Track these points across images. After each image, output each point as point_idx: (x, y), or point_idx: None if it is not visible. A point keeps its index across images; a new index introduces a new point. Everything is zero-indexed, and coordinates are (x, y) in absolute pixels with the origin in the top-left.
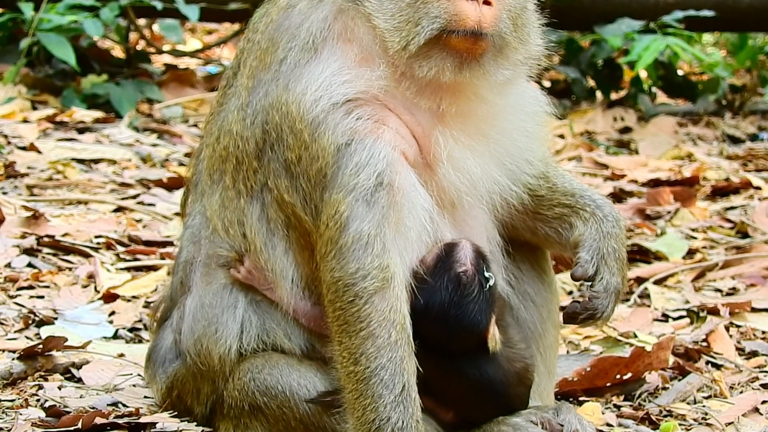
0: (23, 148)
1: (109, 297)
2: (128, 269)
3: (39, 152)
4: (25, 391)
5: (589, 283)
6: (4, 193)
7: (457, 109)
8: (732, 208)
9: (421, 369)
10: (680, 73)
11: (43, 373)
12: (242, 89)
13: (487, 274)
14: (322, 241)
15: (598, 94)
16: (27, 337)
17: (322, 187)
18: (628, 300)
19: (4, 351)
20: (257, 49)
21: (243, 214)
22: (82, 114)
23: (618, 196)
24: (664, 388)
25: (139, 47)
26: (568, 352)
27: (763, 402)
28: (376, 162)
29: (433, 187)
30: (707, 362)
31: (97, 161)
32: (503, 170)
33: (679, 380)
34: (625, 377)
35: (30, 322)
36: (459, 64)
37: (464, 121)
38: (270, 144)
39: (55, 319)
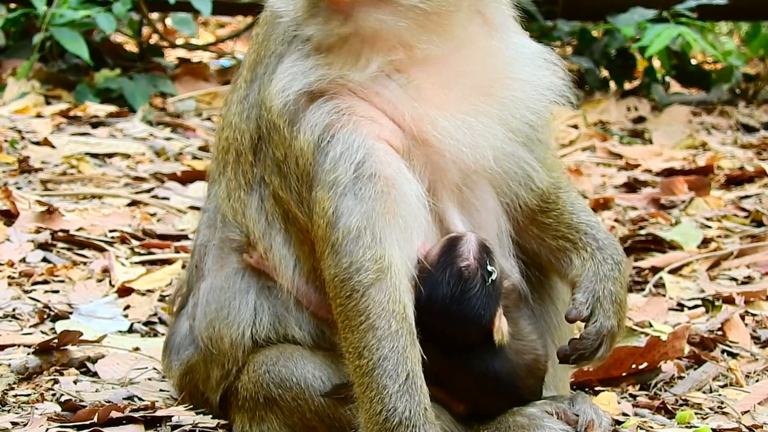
0: (37, 143)
1: (124, 291)
2: (143, 263)
3: (53, 147)
4: (41, 386)
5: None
6: (19, 188)
7: (409, 66)
8: (746, 196)
9: (427, 359)
10: (693, 62)
11: (58, 368)
12: (243, 82)
13: (489, 268)
14: (317, 240)
15: (612, 84)
16: (42, 332)
17: (309, 185)
18: (643, 289)
19: (19, 346)
20: (255, 42)
21: (244, 205)
22: (96, 108)
23: (632, 186)
24: (680, 378)
25: (152, 41)
26: None
27: None
28: (352, 154)
29: (426, 166)
30: (723, 351)
31: (110, 155)
32: (494, 120)
33: (695, 369)
34: (640, 367)
35: (45, 316)
36: (337, 17)
37: (428, 79)
38: (263, 140)
39: (70, 313)
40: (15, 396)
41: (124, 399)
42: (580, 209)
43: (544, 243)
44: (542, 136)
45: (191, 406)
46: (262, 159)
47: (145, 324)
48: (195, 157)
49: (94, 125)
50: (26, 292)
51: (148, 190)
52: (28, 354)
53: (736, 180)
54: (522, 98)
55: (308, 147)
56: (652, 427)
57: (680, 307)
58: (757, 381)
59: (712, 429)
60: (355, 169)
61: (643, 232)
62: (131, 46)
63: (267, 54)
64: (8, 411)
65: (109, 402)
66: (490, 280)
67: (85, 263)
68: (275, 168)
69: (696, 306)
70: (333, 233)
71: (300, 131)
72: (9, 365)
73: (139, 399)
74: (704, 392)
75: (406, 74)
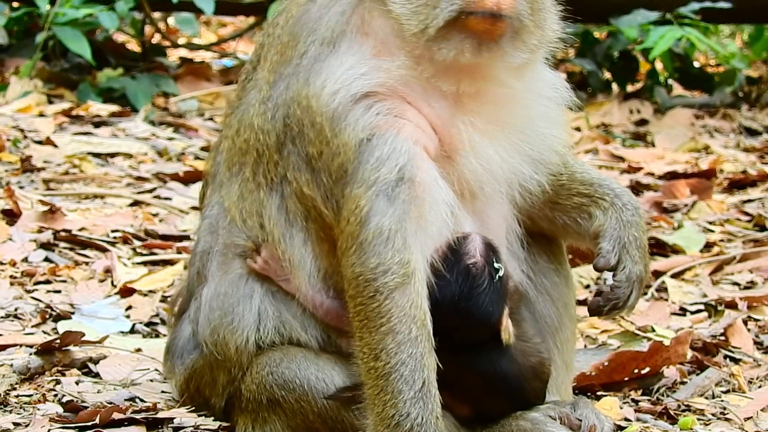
0: (39, 143)
1: (126, 291)
2: (145, 263)
3: (55, 146)
4: (43, 386)
5: (612, 274)
6: (21, 188)
7: (476, 92)
8: (749, 200)
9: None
10: (696, 64)
11: (60, 368)
12: (263, 83)
13: (496, 266)
14: (343, 236)
15: (614, 87)
16: (44, 332)
17: (343, 182)
18: (645, 294)
19: (21, 346)
20: (278, 43)
21: (262, 205)
22: (98, 108)
23: (634, 189)
24: (682, 383)
25: (154, 41)
26: (585, 346)
27: None
28: (397, 156)
29: (453, 179)
30: (725, 356)
31: (113, 155)
32: (524, 157)
33: (698, 374)
34: (643, 372)
35: (47, 316)
36: (478, 45)
37: (482, 107)
38: (291, 138)
39: (72, 313)
40: (17, 396)
41: (125, 400)
42: (588, 167)
43: (557, 206)
44: (558, 157)
45: (193, 408)
46: (286, 156)
47: (147, 325)
48: (197, 158)
49: (97, 125)
50: (28, 291)
51: (151, 190)
52: (30, 354)
53: (738, 184)
54: (549, 137)
55: (353, 144)
56: None
57: (683, 311)
58: (759, 387)
59: None
60: (398, 171)
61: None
62: (134, 46)
63: (296, 54)
64: (10, 411)
65: (110, 403)
66: (497, 277)
67: (87, 263)
68: (304, 165)
69: (699, 311)
70: (363, 231)
71: (345, 129)
72: (11, 365)
73: (141, 400)
74: (707, 398)
75: (466, 98)
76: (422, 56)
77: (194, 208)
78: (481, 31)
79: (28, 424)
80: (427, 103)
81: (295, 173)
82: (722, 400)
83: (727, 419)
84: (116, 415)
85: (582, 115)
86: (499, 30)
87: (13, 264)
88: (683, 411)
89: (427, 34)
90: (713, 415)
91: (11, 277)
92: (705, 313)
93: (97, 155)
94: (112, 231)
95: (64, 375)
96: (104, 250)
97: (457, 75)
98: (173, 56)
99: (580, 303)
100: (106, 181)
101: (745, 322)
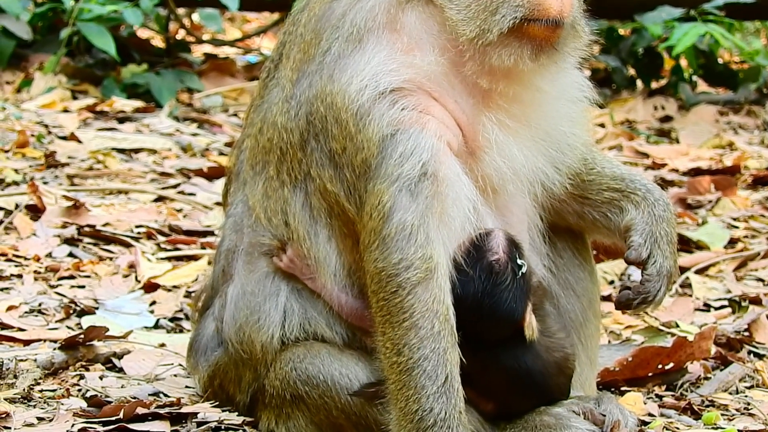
0: (64, 138)
1: (150, 287)
2: (169, 259)
3: (79, 142)
4: (67, 381)
5: (642, 268)
6: (45, 183)
7: (513, 93)
8: None
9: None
10: (721, 61)
11: (84, 363)
12: (286, 81)
13: (519, 262)
14: (366, 231)
15: (639, 83)
16: (68, 327)
17: (366, 177)
18: (669, 289)
19: (45, 341)
20: (300, 41)
21: (286, 203)
22: (123, 103)
23: (659, 185)
24: (706, 378)
25: (178, 37)
26: (609, 341)
27: None
28: (420, 152)
29: (476, 174)
30: (749, 352)
31: (137, 151)
32: (546, 157)
33: (721, 370)
34: (666, 367)
35: (71, 311)
36: (537, 51)
37: (510, 107)
38: (314, 134)
39: (96, 308)
40: (41, 391)
41: (149, 395)
42: (617, 163)
43: (587, 200)
44: (579, 156)
45: (217, 403)
46: (310, 153)
47: (171, 320)
48: (221, 153)
49: (121, 120)
50: (52, 287)
51: (175, 186)
52: (54, 349)
53: (763, 180)
54: (571, 136)
55: (377, 139)
56: (678, 428)
57: (707, 307)
58: None
59: (738, 430)
60: (422, 167)
61: None
62: (158, 42)
63: (320, 52)
64: (34, 406)
65: (134, 398)
66: (520, 273)
67: (111, 258)
68: (327, 161)
69: (722, 306)
70: (386, 227)
71: (369, 124)
72: (35, 360)
73: (165, 395)
74: (730, 393)
75: (495, 96)
76: (472, 58)
77: (218, 203)
78: (542, 38)
79: (52, 419)
80: (453, 100)
81: (318, 170)
82: (746, 396)
83: (751, 414)
84: (140, 410)
85: (606, 111)
86: (557, 36)
87: (37, 259)
88: (707, 406)
89: (485, 39)
90: (737, 410)
91: (35, 272)
92: (729, 309)
93: (121, 151)
94: (136, 226)
95: (88, 370)
96: (128, 246)
97: (498, 76)
98: (197, 52)
99: (604, 299)
100: (130, 176)
101: None
